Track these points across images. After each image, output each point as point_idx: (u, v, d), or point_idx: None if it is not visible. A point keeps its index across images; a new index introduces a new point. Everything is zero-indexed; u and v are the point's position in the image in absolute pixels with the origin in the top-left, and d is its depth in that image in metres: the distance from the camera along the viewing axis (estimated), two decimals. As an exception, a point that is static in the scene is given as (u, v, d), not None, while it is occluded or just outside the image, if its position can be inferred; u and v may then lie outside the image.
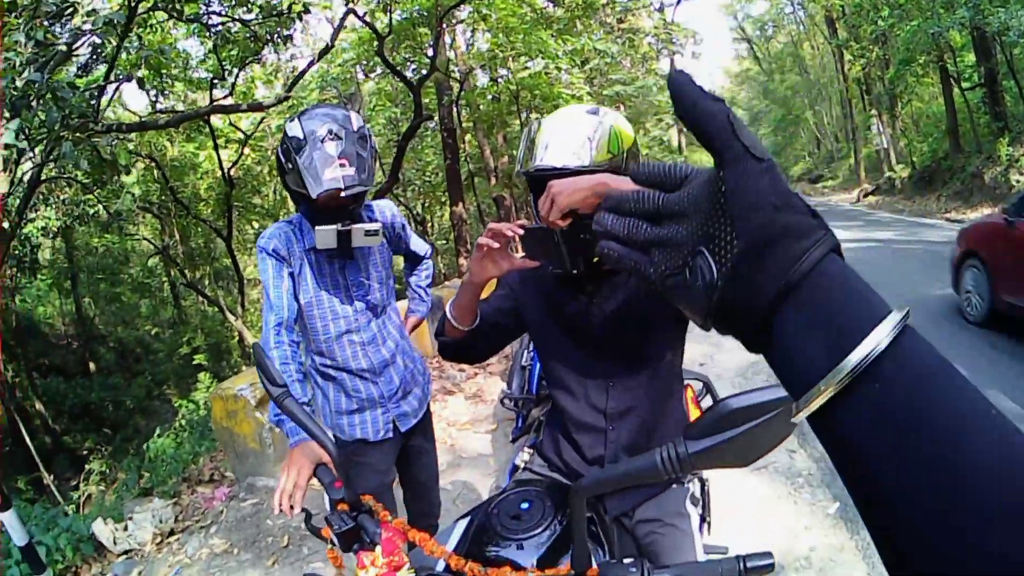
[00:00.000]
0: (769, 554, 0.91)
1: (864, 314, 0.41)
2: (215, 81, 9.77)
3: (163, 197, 15.09)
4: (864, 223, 17.98)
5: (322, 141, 1.86)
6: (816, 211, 0.47)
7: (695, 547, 1.63)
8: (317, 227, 1.96)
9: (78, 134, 5.01)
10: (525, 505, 1.28)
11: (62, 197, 12.42)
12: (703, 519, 2.51)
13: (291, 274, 2.06)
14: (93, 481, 7.48)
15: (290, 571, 3.41)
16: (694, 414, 2.18)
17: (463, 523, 1.35)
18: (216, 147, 12.29)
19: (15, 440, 13.52)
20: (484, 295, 1.60)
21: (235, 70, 9.63)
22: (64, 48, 5.06)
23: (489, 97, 13.19)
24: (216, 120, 12.66)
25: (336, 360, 2.19)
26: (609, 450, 1.66)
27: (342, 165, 1.86)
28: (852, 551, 3.03)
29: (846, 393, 0.40)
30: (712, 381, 2.63)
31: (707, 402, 2.48)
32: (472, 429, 5.27)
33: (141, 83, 6.08)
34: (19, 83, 4.37)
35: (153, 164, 13.23)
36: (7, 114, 4.05)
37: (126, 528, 3.96)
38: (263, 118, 13.53)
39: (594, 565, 0.97)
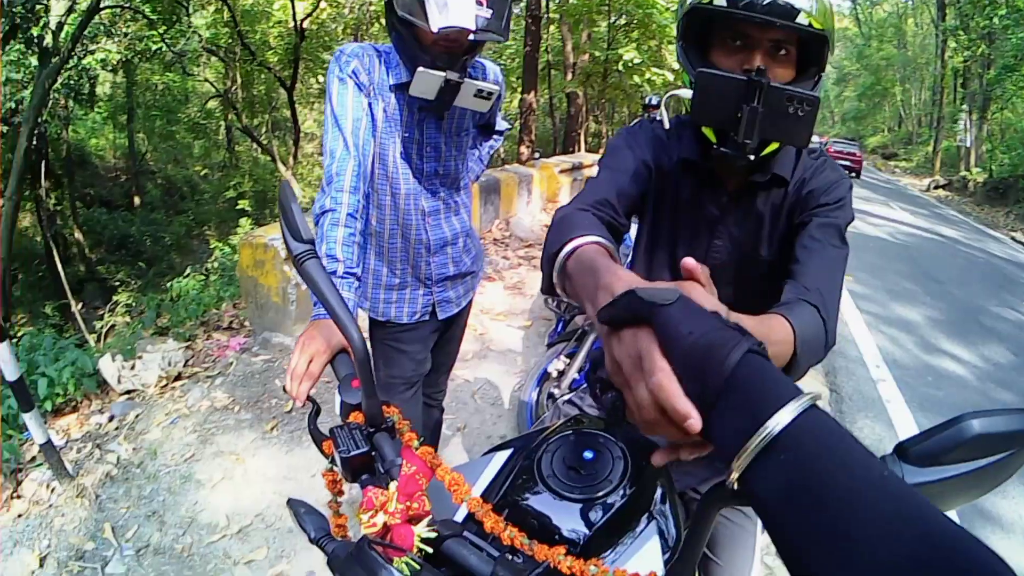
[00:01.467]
0: None
1: (772, 399, 0.49)
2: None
3: (231, 41, 14.83)
4: (930, 214, 17.50)
5: None
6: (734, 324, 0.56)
7: (755, 547, 1.42)
8: (420, 69, 1.54)
9: None
10: (589, 455, 0.96)
11: (125, 31, 12.17)
12: None
13: (371, 108, 1.68)
14: (119, 313, 7.51)
15: (288, 439, 3.29)
16: None
17: (500, 458, 1.04)
18: (292, -3, 11.92)
19: (49, 267, 13.77)
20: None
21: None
22: None
23: None
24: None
25: (388, 224, 1.86)
26: None
27: (479, 2, 1.47)
28: None
29: (758, 463, 0.48)
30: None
31: None
32: (506, 321, 5.06)
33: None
34: None
35: (225, 7, 12.87)
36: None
37: (133, 367, 3.89)
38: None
39: None
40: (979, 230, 15.44)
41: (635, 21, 13.13)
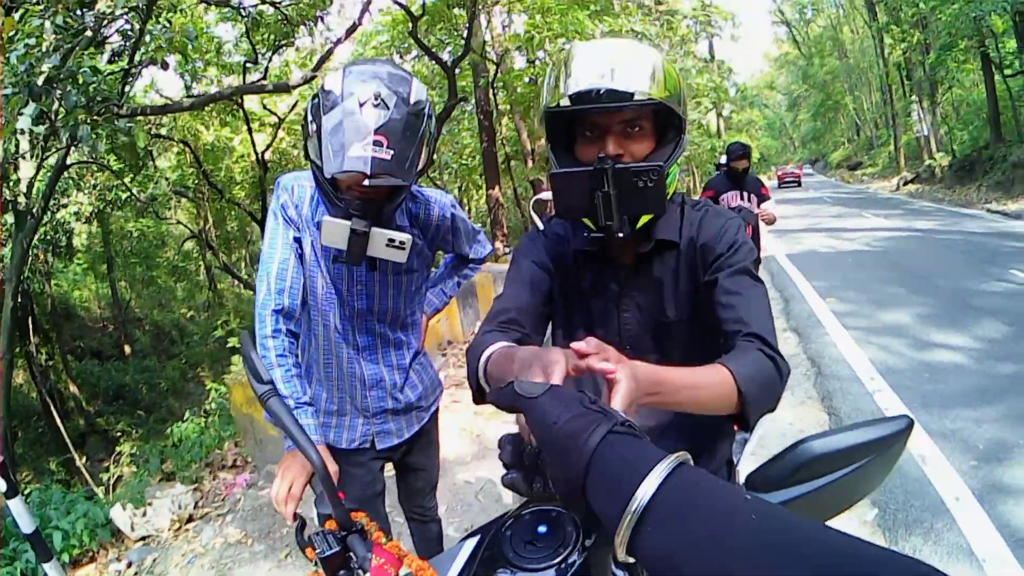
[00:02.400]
0: None
1: (634, 473, 0.53)
2: (248, 65, 9.77)
3: (197, 181, 15.23)
4: (904, 212, 17.75)
5: (361, 105, 1.40)
6: (594, 401, 0.65)
7: None
8: (326, 218, 1.52)
9: (97, 118, 4.98)
10: (543, 529, 1.08)
11: (93, 182, 12.56)
12: None
13: (297, 240, 1.65)
14: (124, 463, 7.53)
15: (303, 564, 3.31)
16: None
17: (471, 544, 1.15)
18: (250, 130, 12.33)
19: (48, 423, 13.79)
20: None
21: (268, 53, 9.60)
22: (89, 34, 5.02)
23: (527, 80, 13.07)
24: (252, 104, 12.71)
25: (322, 354, 1.81)
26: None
27: (377, 144, 1.38)
28: None
29: (637, 534, 0.52)
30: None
31: None
32: (501, 419, 5.09)
33: (165, 65, 6.04)
34: (43, 68, 4.35)
35: (187, 149, 13.30)
36: (27, 99, 4.05)
37: (144, 514, 3.94)
38: (296, 101, 13.54)
39: None
40: (954, 213, 15.73)
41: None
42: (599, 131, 1.18)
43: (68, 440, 12.55)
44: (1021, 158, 17.98)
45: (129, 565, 3.49)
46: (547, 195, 1.26)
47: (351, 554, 1.01)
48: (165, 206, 17.40)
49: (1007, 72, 20.39)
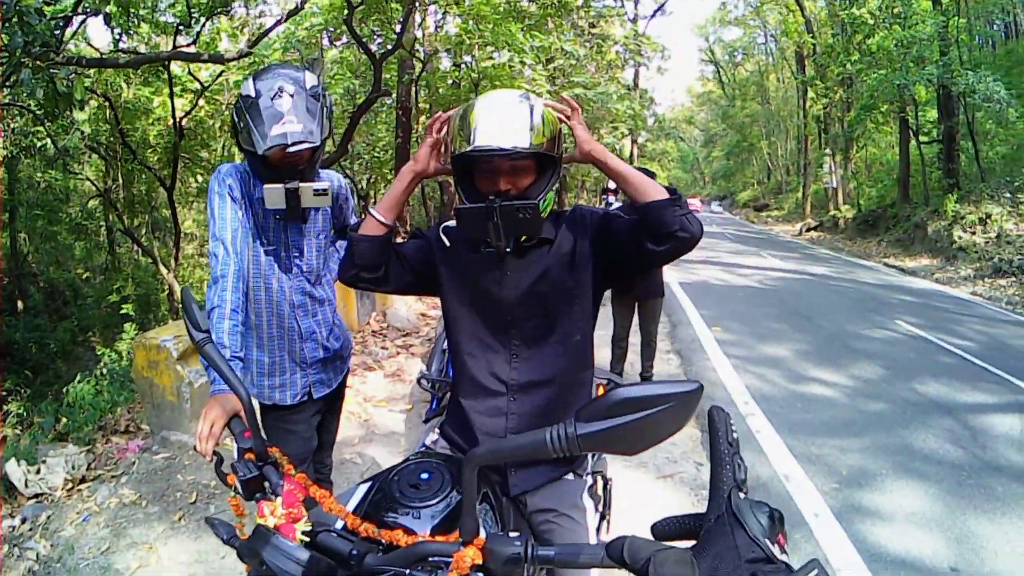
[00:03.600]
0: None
1: None
2: (181, 27, 9.56)
3: (112, 139, 14.70)
4: (802, 256, 18.52)
5: (272, 98, 1.89)
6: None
7: (588, 540, 1.70)
8: (265, 185, 1.98)
9: (38, 62, 4.87)
10: (425, 475, 1.34)
11: (12, 126, 12.03)
12: (603, 516, 2.60)
13: (243, 218, 2.05)
14: (10, 423, 7.28)
15: (196, 526, 3.46)
16: None
17: (363, 488, 1.39)
18: (172, 94, 12.03)
19: (-73, 378, 13.02)
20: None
21: (202, 19, 9.44)
22: None
23: (449, 82, 13.17)
24: (175, 68, 12.38)
25: (265, 317, 2.20)
26: (511, 423, 1.70)
27: (289, 121, 1.89)
28: None
29: None
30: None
31: None
32: (388, 407, 5.37)
33: (108, 19, 5.94)
34: None
35: (107, 104, 12.84)
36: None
37: (39, 471, 3.94)
38: (222, 71, 13.29)
39: (482, 535, 1.01)
40: (851, 262, 16.55)
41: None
42: (492, 171, 1.56)
43: (-48, 397, 11.92)
44: (924, 219, 19.01)
45: (23, 521, 3.51)
46: (452, 223, 1.66)
47: (266, 482, 1.24)
48: (76, 160, 16.73)
49: (923, 139, 21.48)
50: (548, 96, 12.47)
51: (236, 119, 1.98)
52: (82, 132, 14.69)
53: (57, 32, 5.74)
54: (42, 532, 3.39)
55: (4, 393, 12.77)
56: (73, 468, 4.00)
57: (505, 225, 1.50)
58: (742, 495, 0.86)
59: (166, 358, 4.36)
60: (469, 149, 1.49)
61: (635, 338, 5.48)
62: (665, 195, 1.50)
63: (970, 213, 17.25)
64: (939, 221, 18.22)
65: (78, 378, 6.23)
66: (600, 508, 2.61)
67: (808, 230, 28.68)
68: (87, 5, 6.14)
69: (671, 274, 13.09)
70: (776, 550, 0.79)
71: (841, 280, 13.17)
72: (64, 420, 5.29)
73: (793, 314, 9.43)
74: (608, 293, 8.38)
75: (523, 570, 0.97)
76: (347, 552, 1.07)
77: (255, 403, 2.05)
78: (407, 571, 1.02)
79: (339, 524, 1.20)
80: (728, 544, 0.80)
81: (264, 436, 1.33)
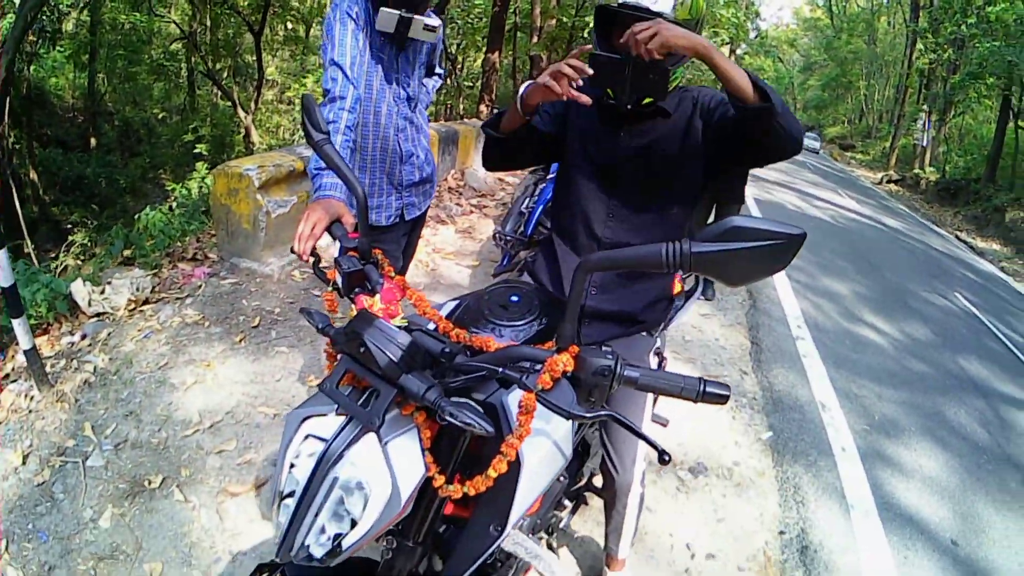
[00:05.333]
0: (727, 387, 0.96)
1: None
2: None
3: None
4: (878, 205, 17.95)
5: None
6: None
7: (646, 398, 1.76)
8: (382, 8, 2.03)
9: None
10: (515, 298, 1.38)
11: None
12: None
13: (363, 45, 2.11)
14: (73, 253, 7.54)
15: (255, 349, 3.55)
16: (676, 287, 2.28)
17: (453, 303, 1.44)
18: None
19: (5, 205, 13.52)
20: None
21: None
22: None
23: None
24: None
25: (371, 139, 2.29)
26: (595, 278, 1.78)
27: None
28: (771, 479, 3.21)
29: None
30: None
31: (690, 282, 2.56)
32: (455, 260, 5.45)
33: None
34: None
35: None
36: None
37: (103, 291, 4.04)
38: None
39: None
40: (924, 225, 15.92)
41: (605, -11, 13.33)
42: None
43: (24, 226, 12.40)
44: (1004, 203, 18.22)
45: (84, 337, 3.61)
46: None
47: (367, 279, 1.25)
48: (162, 3, 16.73)
49: (1022, 123, 20.45)
50: None
51: None
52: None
53: None
54: (101, 347, 3.48)
55: (69, 225, 13.27)
56: (138, 290, 4.10)
57: (634, 81, 1.49)
58: None
59: (247, 186, 4.41)
60: (619, 3, 1.56)
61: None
62: (759, 100, 1.42)
63: (1053, 210, 16.38)
64: (1019, 210, 17.38)
65: (148, 207, 6.40)
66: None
67: (889, 182, 27.54)
68: None
69: (749, 189, 12.91)
70: None
71: (911, 238, 12.73)
72: (133, 247, 5.46)
73: (859, 257, 9.22)
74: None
75: (610, 382, 0.98)
76: (439, 351, 1.07)
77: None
78: (500, 369, 1.02)
79: (431, 327, 1.21)
80: None
81: (354, 237, 1.36)
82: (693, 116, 1.69)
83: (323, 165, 1.78)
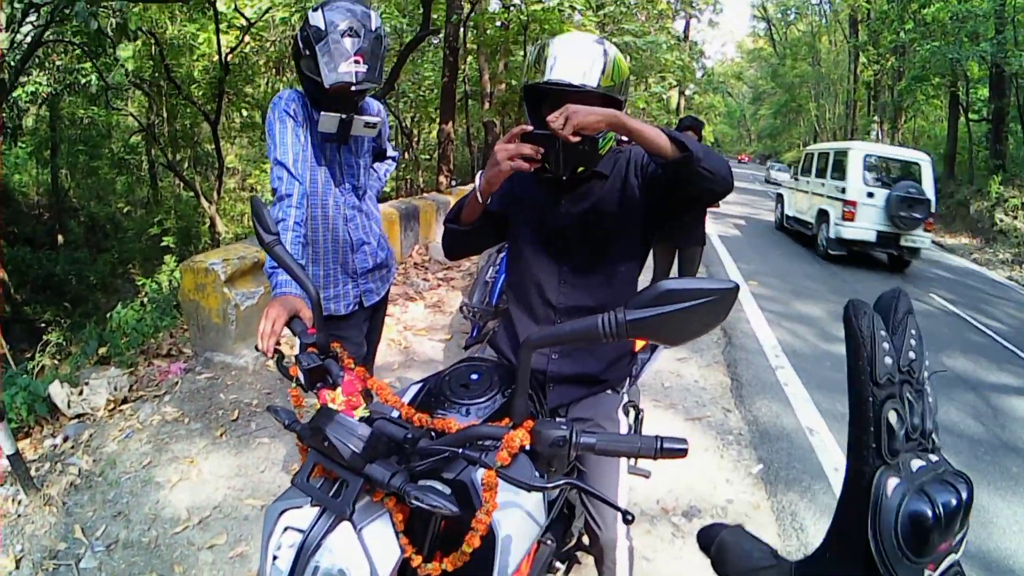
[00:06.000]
0: (684, 440, 0.99)
1: None
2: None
3: (156, 75, 14.82)
4: None
5: (342, 35, 2.01)
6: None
7: (618, 464, 1.75)
8: (323, 112, 2.12)
9: None
10: (475, 376, 1.43)
11: (57, 63, 12.18)
12: None
13: (304, 141, 2.21)
14: (49, 352, 7.47)
15: (236, 442, 3.55)
16: (640, 343, 2.32)
17: (416, 387, 1.51)
18: (217, 30, 12.08)
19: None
20: None
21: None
22: None
23: (498, 23, 13.10)
24: (221, 5, 12.41)
25: (320, 232, 2.36)
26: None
27: (356, 61, 2.03)
28: (767, 511, 3.23)
29: None
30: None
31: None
32: (427, 336, 5.46)
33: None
34: None
35: (152, 40, 12.94)
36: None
37: (81, 392, 4.02)
38: (268, 8, 13.27)
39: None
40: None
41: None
42: (561, 104, 1.56)
43: (-3, 328, 12.24)
44: (967, 198, 18.61)
45: (65, 439, 3.60)
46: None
47: (328, 373, 1.31)
48: (119, 96, 16.90)
49: (972, 116, 20.96)
50: None
51: (301, 45, 2.10)
52: (126, 69, 14.80)
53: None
54: (84, 449, 3.48)
55: (42, 324, 13.15)
56: (115, 389, 4.09)
57: (566, 154, 1.58)
58: (892, 483, 0.51)
59: (213, 280, 4.44)
60: (543, 80, 1.61)
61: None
62: (677, 153, 1.50)
63: (1014, 197, 16.83)
64: (982, 201, 17.80)
65: (120, 305, 6.38)
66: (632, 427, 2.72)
67: (851, 196, 27.94)
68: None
69: (712, 227, 13.03)
70: None
71: (880, 248, 12.96)
72: (107, 345, 5.43)
73: (831, 276, 9.39)
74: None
75: (567, 452, 1.01)
76: (402, 437, 1.11)
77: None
78: (459, 450, 1.07)
79: (395, 414, 1.25)
80: (841, 565, 0.54)
81: (312, 333, 1.43)
82: (628, 174, 1.78)
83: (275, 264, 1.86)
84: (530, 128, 1.57)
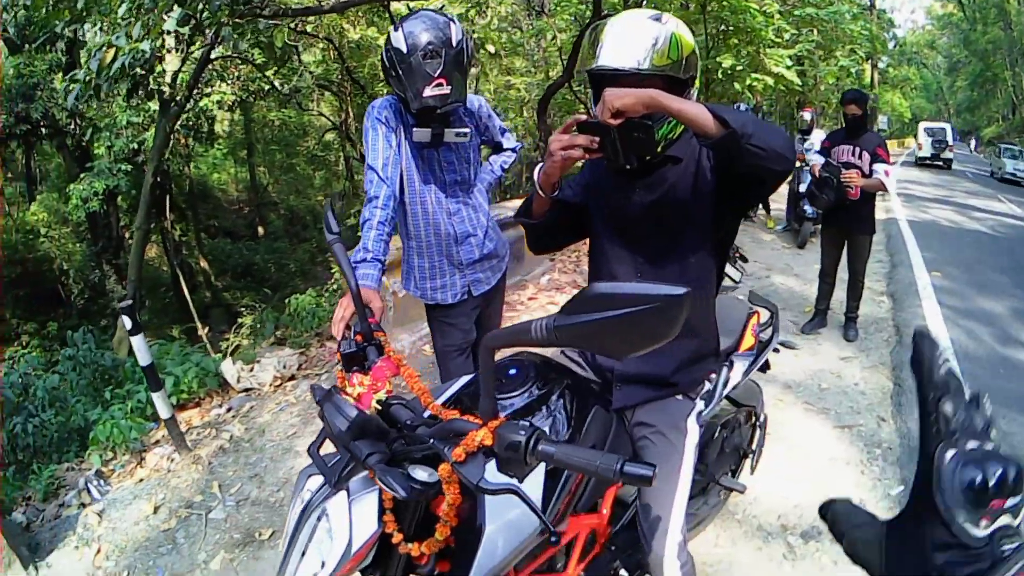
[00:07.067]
0: (650, 467, 0.91)
1: None
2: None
3: (341, 77, 15.73)
4: None
5: (423, 57, 2.09)
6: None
7: (681, 466, 1.68)
8: (415, 128, 2.23)
9: (237, 20, 5.33)
10: (512, 371, 1.48)
11: (237, 74, 13.30)
12: (745, 454, 2.59)
13: (398, 144, 2.29)
14: (243, 334, 8.24)
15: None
16: (748, 341, 2.20)
17: (461, 380, 1.57)
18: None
19: (176, 294, 15.06)
20: None
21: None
22: None
23: (678, 3, 12.76)
24: (399, 5, 12.93)
25: (422, 228, 2.45)
26: None
27: (439, 84, 2.10)
28: None
29: None
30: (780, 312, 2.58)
31: (767, 334, 2.43)
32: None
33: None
34: None
35: (331, 45, 13.81)
36: (173, 2, 4.41)
37: (252, 369, 4.49)
38: (442, 6, 13.69)
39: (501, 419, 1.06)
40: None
41: (731, 28, 13.11)
42: (621, 86, 1.47)
43: (193, 311, 13.70)
44: None
45: (229, 410, 4.04)
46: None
47: (365, 357, 1.41)
48: (308, 98, 18.12)
49: None
50: (779, 18, 11.80)
51: (388, 65, 2.19)
52: (311, 73, 15.86)
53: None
54: (241, 419, 3.86)
55: (241, 309, 14.53)
56: (284, 367, 4.49)
57: (623, 143, 1.47)
58: (949, 453, 0.64)
59: (374, 271, 4.72)
60: (593, 67, 1.51)
61: (846, 275, 5.11)
62: (721, 130, 1.36)
63: None
64: None
65: (294, 294, 6.96)
66: (746, 445, 2.56)
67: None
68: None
69: (902, 211, 12.13)
70: (981, 527, 0.61)
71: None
72: (285, 328, 5.96)
73: (1020, 268, 8.26)
74: (814, 228, 7.70)
75: (522, 458, 0.99)
76: (404, 420, 1.18)
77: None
78: (431, 441, 1.10)
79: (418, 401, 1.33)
80: (918, 522, 0.66)
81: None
82: (701, 156, 1.64)
83: (359, 258, 2.05)
84: (584, 117, 1.50)
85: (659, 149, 1.59)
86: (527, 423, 1.01)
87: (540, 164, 1.62)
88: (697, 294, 1.68)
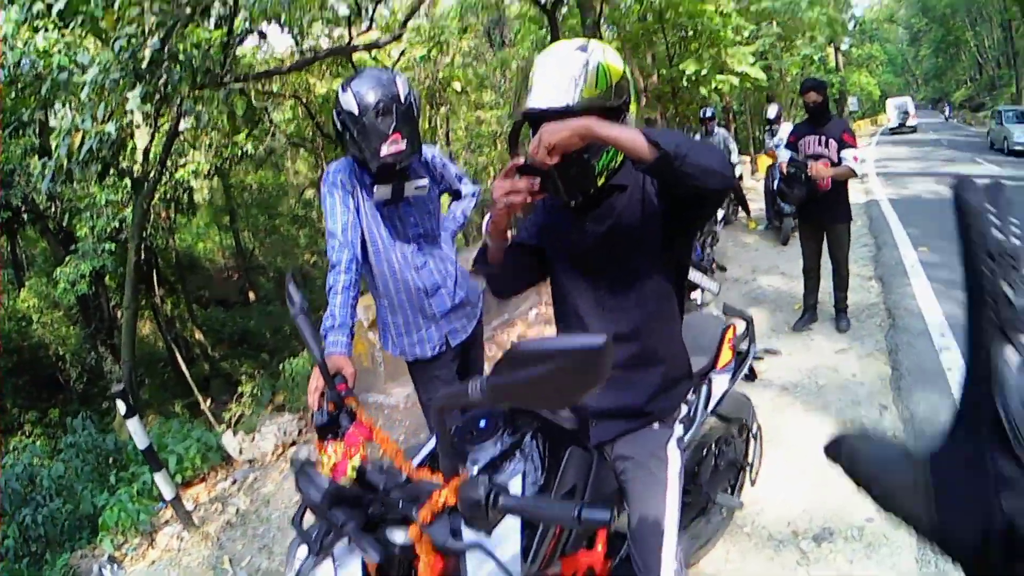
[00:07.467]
0: (606, 510, 0.93)
1: None
2: (351, 18, 10.15)
3: (313, 132, 15.88)
4: (1019, 161, 16.02)
5: (376, 116, 2.13)
6: None
7: (666, 494, 1.64)
8: (377, 186, 2.28)
9: (200, 90, 5.46)
10: (483, 423, 1.51)
11: (209, 142, 13.43)
12: (741, 468, 2.57)
13: (356, 207, 2.31)
14: (245, 403, 8.24)
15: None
16: (726, 356, 2.19)
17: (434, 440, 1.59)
18: (359, 81, 12.83)
19: (174, 369, 15.04)
20: None
21: (368, 6, 9.95)
22: (188, 11, 5.37)
23: (635, 18, 12.89)
24: (363, 54, 13.04)
25: (391, 285, 2.45)
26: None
27: (394, 141, 2.15)
28: (907, 531, 2.88)
29: None
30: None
31: (745, 344, 2.43)
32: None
33: (262, 35, 6.51)
34: (145, 52, 4.84)
35: (299, 102, 13.96)
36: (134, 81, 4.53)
37: (253, 439, 4.49)
38: (403, 50, 13.82)
39: (465, 475, 1.08)
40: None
41: (691, 33, 13.26)
42: None
43: (192, 384, 13.64)
44: None
45: (234, 483, 4.04)
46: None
47: (338, 425, 1.45)
48: (283, 158, 18.31)
49: None
50: (736, 16, 11.88)
51: (340, 129, 2.24)
52: (284, 133, 16.00)
53: (226, 57, 6.34)
54: (246, 491, 3.87)
55: (241, 377, 14.54)
56: (285, 434, 4.49)
57: (563, 181, 1.48)
58: (1015, 358, 0.50)
59: (358, 328, 4.67)
60: (523, 111, 1.53)
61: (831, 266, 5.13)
62: (654, 154, 1.33)
63: None
64: None
65: (290, 357, 6.97)
66: (743, 458, 2.55)
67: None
68: (239, 28, 6.70)
69: (882, 190, 12.20)
70: None
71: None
72: (283, 393, 5.95)
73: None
74: (795, 223, 7.77)
75: (484, 514, 1.00)
76: (380, 486, 1.19)
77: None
78: (399, 504, 1.13)
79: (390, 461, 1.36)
80: (974, 450, 0.51)
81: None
82: (646, 182, 1.63)
83: (328, 325, 2.09)
84: (522, 160, 1.45)
85: (601, 180, 1.59)
86: (486, 478, 1.02)
87: (489, 214, 1.61)
88: (664, 326, 1.72)
